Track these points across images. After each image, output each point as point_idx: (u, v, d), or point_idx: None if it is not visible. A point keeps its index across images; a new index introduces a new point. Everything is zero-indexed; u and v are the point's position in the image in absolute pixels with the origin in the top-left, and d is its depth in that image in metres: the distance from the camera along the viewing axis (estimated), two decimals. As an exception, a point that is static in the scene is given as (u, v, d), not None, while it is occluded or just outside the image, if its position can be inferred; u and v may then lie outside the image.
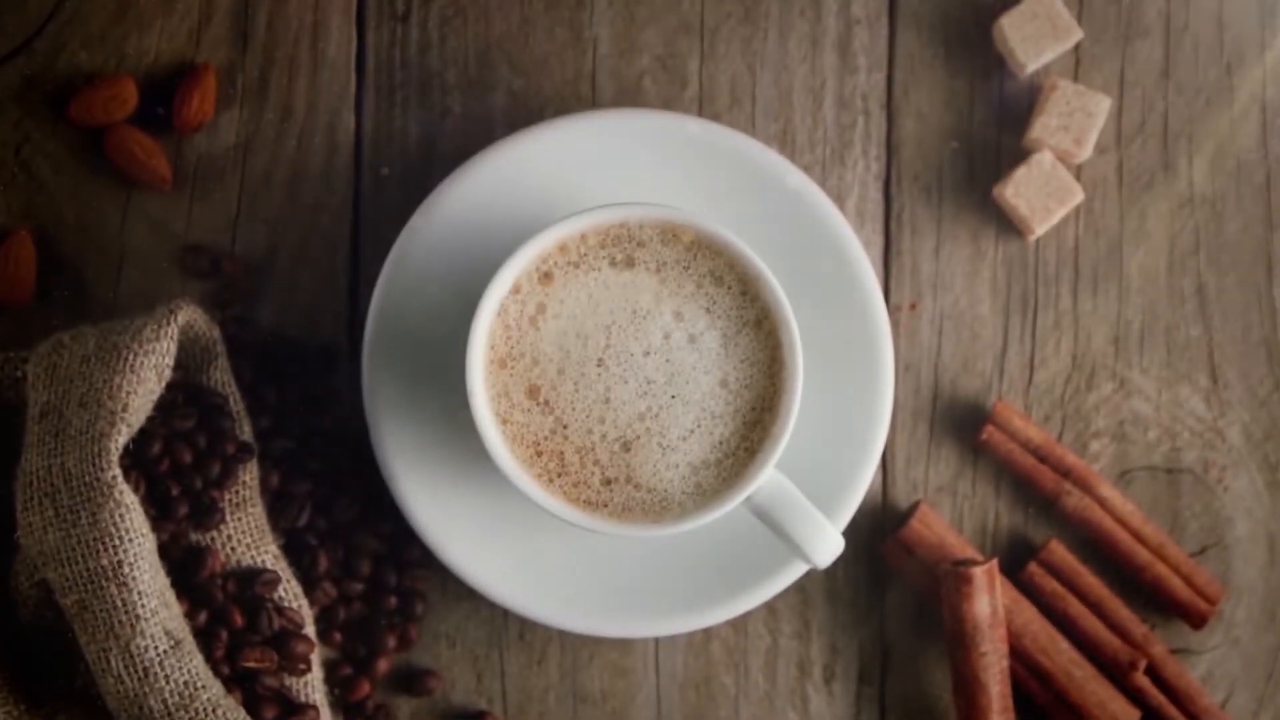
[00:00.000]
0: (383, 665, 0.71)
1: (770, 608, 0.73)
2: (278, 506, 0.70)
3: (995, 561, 0.70)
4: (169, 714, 0.62)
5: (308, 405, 0.71)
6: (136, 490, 0.64)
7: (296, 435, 0.70)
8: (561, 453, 0.64)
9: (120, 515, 0.62)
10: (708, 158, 0.68)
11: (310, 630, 0.68)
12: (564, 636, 0.72)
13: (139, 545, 0.62)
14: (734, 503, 0.63)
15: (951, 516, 0.73)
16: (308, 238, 0.72)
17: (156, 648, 0.62)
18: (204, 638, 0.65)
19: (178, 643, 0.62)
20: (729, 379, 0.64)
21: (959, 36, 0.73)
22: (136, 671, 0.62)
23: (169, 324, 0.65)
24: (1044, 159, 0.71)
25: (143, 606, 0.62)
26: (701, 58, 0.73)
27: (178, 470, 0.66)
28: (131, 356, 0.63)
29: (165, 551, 0.65)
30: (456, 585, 0.71)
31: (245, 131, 0.72)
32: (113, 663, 0.62)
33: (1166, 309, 0.73)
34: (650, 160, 0.68)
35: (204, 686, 0.62)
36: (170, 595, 0.64)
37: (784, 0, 0.73)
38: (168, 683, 0.62)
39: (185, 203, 0.72)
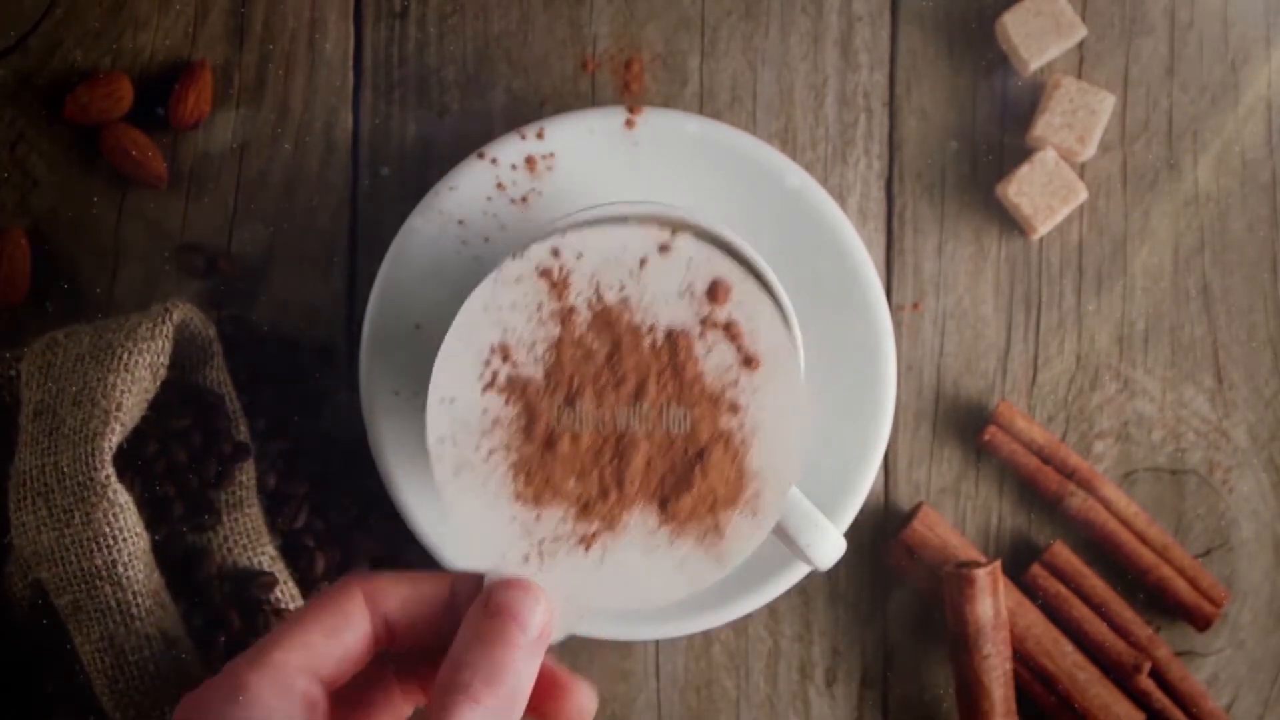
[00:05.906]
0: (380, 668, 0.70)
1: (771, 610, 0.72)
2: (275, 507, 0.69)
3: (998, 563, 0.69)
4: (163, 717, 0.61)
5: (305, 405, 0.71)
6: (132, 490, 0.64)
7: (293, 436, 0.70)
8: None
9: (114, 515, 0.61)
10: (708, 156, 0.67)
11: (307, 632, 0.68)
12: (563, 639, 0.72)
13: (133, 545, 0.61)
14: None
15: (954, 518, 0.72)
16: (305, 237, 0.72)
17: (151, 648, 0.61)
18: (200, 639, 0.65)
19: (173, 643, 0.62)
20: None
21: (961, 34, 0.73)
22: (131, 672, 0.61)
23: (164, 323, 0.64)
24: (1047, 157, 0.71)
25: (137, 606, 0.61)
26: (702, 55, 0.72)
27: (174, 470, 0.66)
28: (126, 355, 0.63)
29: (161, 552, 0.65)
30: (454, 587, 0.71)
31: (242, 130, 0.72)
32: (107, 663, 0.61)
33: (1171, 309, 0.73)
34: (650, 159, 0.68)
35: (199, 689, 0.62)
36: (165, 596, 0.63)
37: (785, -3, 0.72)
38: (163, 685, 0.61)
39: (181, 201, 0.72)
